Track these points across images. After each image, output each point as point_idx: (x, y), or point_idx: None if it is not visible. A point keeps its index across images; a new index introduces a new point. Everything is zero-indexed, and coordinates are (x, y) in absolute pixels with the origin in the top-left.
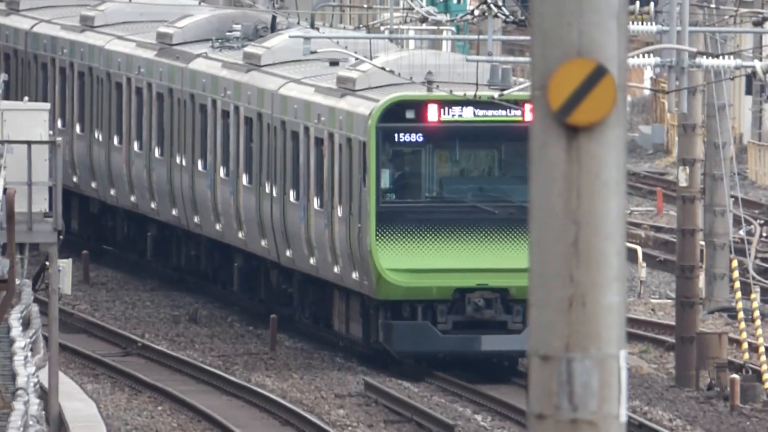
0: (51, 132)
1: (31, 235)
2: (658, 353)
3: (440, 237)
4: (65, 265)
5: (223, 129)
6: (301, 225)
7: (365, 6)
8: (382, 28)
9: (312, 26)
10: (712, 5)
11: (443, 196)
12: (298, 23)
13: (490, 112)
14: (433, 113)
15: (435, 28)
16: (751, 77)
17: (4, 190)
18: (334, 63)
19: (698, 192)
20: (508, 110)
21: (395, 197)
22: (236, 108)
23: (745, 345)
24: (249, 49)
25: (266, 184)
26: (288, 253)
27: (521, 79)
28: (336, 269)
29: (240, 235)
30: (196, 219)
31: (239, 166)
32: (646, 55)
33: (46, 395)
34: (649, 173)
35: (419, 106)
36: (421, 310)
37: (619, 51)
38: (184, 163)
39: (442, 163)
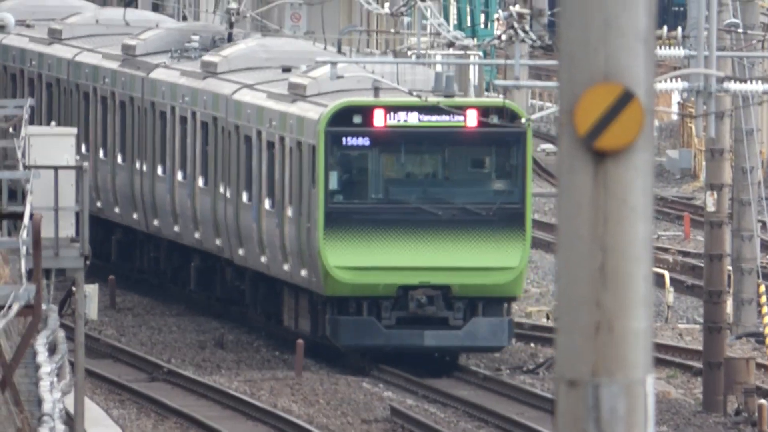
0: (77, 157)
1: (58, 260)
2: (685, 378)
3: (385, 236)
4: (91, 290)
5: (181, 134)
6: (253, 225)
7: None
8: (409, 52)
9: (339, 51)
10: (740, 30)
11: (389, 197)
12: (325, 48)
13: (434, 118)
14: (379, 118)
15: (462, 52)
16: None
17: (31, 215)
18: (286, 70)
19: (726, 217)
20: (451, 116)
21: (343, 198)
22: (193, 114)
23: None
24: (206, 57)
25: (221, 186)
26: (241, 251)
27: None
28: (286, 267)
29: (197, 235)
30: (155, 222)
31: (196, 169)
32: (673, 79)
33: (71, 421)
34: (677, 198)
35: (366, 111)
36: (366, 306)
37: (646, 75)
38: (145, 168)
39: (388, 166)
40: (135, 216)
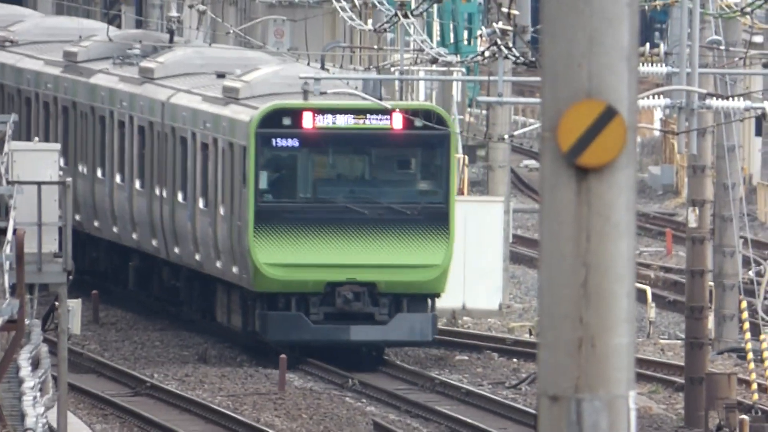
0: (60, 173)
1: (41, 275)
2: (667, 393)
3: (314, 234)
4: (75, 305)
5: (119, 138)
6: (187, 223)
7: (375, 47)
8: (392, 69)
9: (322, 67)
10: (722, 47)
11: (317, 196)
12: (308, 64)
13: (361, 120)
14: (308, 120)
15: (445, 69)
16: (760, 119)
17: (14, 230)
18: (221, 75)
19: (708, 233)
20: (378, 118)
21: (272, 197)
22: (131, 118)
23: (755, 386)
24: (144, 63)
25: (157, 188)
26: (176, 250)
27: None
28: (218, 264)
29: (134, 236)
30: (96, 223)
31: (133, 171)
32: (656, 96)
33: None
34: (659, 214)
35: (295, 113)
36: (294, 302)
37: (629, 92)
38: (85, 171)
39: (317, 167)
40: (77, 217)
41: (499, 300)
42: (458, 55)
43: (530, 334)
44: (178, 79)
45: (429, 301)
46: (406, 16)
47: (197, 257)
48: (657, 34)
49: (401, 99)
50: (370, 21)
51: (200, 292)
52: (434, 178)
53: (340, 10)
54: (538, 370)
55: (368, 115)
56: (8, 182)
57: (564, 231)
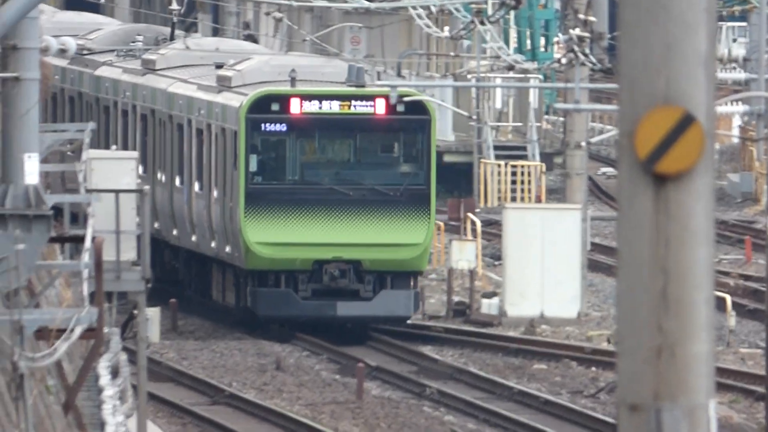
0: (138, 181)
1: (119, 283)
2: (747, 403)
3: (301, 215)
4: (153, 313)
5: (123, 126)
6: (184, 206)
7: (452, 54)
8: (468, 75)
9: (398, 74)
10: None
11: (304, 179)
12: (385, 71)
13: (346, 105)
14: (295, 106)
15: (522, 76)
16: None
17: (93, 238)
18: (219, 66)
19: None
20: (362, 104)
21: (262, 180)
22: (134, 107)
23: None
24: (146, 56)
25: (158, 172)
26: (175, 232)
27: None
28: (213, 244)
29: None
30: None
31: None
32: (734, 102)
33: None
34: (738, 222)
35: (283, 99)
36: (284, 279)
37: (707, 99)
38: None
39: (304, 150)
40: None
41: (578, 308)
42: (535, 62)
43: (608, 342)
44: (178, 70)
45: (411, 278)
46: (482, 23)
47: (194, 238)
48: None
49: (478, 106)
50: (446, 28)
51: (197, 272)
52: (416, 161)
53: (416, 17)
54: (616, 379)
55: (353, 101)
56: (87, 190)
57: (642, 238)
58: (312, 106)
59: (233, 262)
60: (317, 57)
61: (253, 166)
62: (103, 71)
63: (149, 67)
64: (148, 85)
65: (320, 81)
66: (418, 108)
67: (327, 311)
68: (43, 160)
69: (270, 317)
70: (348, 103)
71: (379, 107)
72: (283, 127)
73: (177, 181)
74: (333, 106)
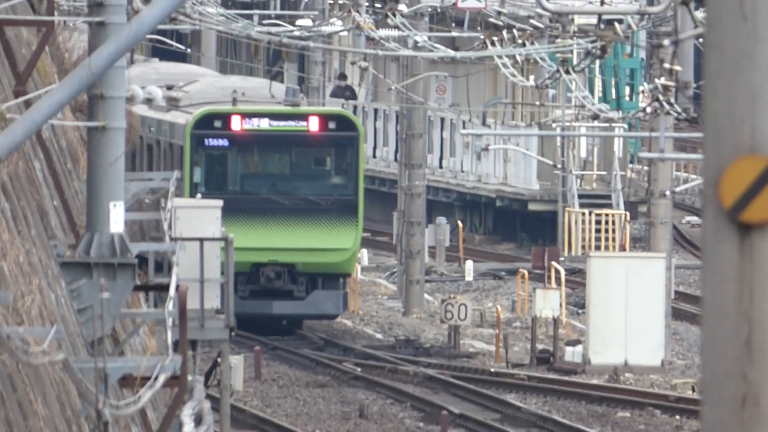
0: (223, 229)
1: (203, 331)
2: None
3: (241, 222)
4: (237, 361)
5: None
6: None
7: (537, 103)
8: (553, 124)
9: (483, 123)
10: None
11: (244, 189)
12: (470, 120)
13: (282, 123)
14: (236, 123)
15: (607, 125)
16: None
17: (177, 287)
18: (170, 87)
19: None
20: (297, 122)
21: (205, 190)
22: None
23: None
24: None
25: None
26: None
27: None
28: None
29: None
30: None
31: None
32: None
33: None
34: None
35: (225, 117)
36: None
37: None
38: None
39: (244, 163)
40: None
41: (662, 356)
42: (620, 111)
43: (693, 390)
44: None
45: (341, 279)
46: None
47: None
48: None
49: (563, 155)
50: (531, 77)
51: None
52: (345, 174)
53: (501, 66)
54: (701, 428)
55: (288, 119)
56: (171, 239)
57: (726, 287)
58: (251, 124)
59: None
60: (258, 79)
61: (197, 178)
62: None
63: None
64: None
65: (260, 101)
66: (348, 125)
67: (263, 309)
68: (127, 209)
69: None
70: (284, 120)
71: (312, 124)
72: (224, 142)
73: None
74: (270, 123)
